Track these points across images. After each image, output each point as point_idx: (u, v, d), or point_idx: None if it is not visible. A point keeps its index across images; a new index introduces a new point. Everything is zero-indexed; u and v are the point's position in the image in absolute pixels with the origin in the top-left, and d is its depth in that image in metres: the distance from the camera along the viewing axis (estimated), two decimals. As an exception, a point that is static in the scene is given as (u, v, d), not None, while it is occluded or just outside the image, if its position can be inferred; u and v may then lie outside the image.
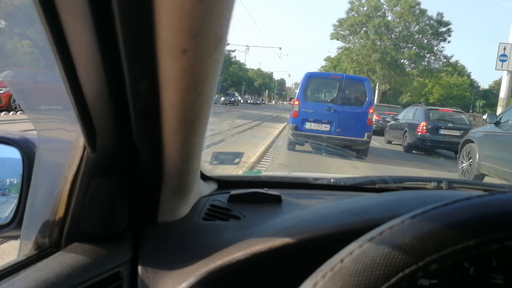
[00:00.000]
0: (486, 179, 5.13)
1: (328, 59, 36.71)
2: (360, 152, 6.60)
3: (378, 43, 28.06)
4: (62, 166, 0.51)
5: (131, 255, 0.52)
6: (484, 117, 5.93)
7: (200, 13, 0.32)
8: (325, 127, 6.69)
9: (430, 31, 27.93)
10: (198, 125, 0.46)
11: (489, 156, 5.16)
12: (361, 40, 28.65)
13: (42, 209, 0.51)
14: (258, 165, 5.14)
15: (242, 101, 38.24)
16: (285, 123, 10.46)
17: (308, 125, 6.71)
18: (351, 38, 30.15)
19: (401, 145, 9.56)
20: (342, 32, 30.00)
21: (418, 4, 27.38)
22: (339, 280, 0.27)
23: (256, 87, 63.18)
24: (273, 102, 73.04)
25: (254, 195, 0.73)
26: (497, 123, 5.38)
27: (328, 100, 6.87)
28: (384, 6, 28.38)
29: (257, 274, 0.49)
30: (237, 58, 49.38)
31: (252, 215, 0.66)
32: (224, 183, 0.86)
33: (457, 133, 8.39)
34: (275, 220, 0.59)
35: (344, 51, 30.41)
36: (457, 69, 34.02)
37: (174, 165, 0.51)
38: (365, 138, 6.56)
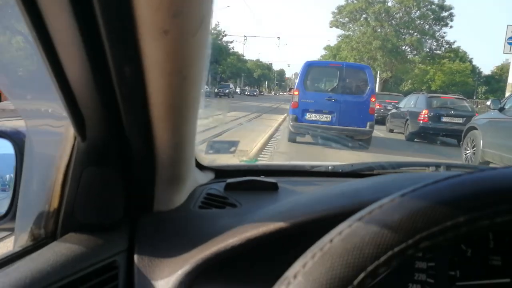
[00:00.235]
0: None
1: (327, 47, 36.45)
2: (363, 142, 6.48)
3: (379, 30, 27.75)
4: (54, 157, 0.51)
5: (127, 244, 0.52)
6: (488, 103, 5.86)
7: None
8: (326, 118, 6.59)
9: (432, 16, 27.57)
10: (187, 112, 0.46)
11: (494, 143, 5.12)
12: (361, 27, 28.37)
13: (37, 201, 0.51)
14: (257, 159, 5.08)
15: (239, 92, 37.93)
16: (285, 115, 10.36)
17: (308, 116, 6.61)
18: (350, 25, 29.88)
19: (402, 133, 9.47)
20: (341, 20, 29.70)
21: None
22: (328, 260, 0.27)
23: (256, 78, 62.83)
24: (273, 93, 72.98)
25: (251, 183, 0.73)
26: (501, 109, 5.34)
27: (329, 90, 6.76)
28: (384, -9, 28.00)
29: (252, 259, 0.50)
30: (236, 49, 48.93)
31: (248, 202, 0.65)
32: (221, 172, 0.85)
33: (460, 120, 8.28)
34: (270, 207, 0.59)
35: (344, 39, 30.17)
36: (459, 55, 33.64)
37: (166, 153, 0.51)
38: (368, 127, 6.46)
